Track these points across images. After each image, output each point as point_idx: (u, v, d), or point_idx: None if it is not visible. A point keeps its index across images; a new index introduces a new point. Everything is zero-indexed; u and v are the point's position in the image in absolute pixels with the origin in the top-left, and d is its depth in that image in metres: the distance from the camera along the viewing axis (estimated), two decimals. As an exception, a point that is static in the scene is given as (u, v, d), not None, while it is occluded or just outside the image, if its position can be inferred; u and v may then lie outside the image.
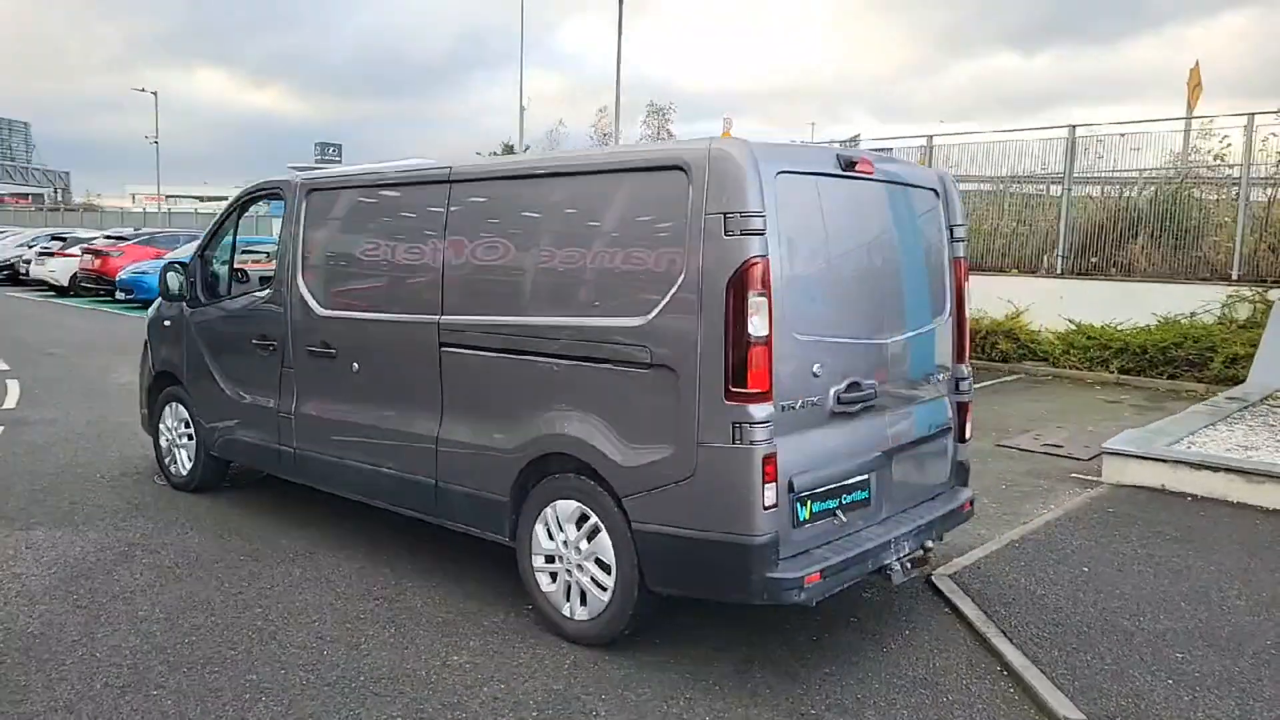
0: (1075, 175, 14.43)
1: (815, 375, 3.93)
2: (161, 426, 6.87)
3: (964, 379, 5.04)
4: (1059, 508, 6.54)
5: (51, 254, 24.33)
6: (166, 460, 6.85)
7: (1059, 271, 14.48)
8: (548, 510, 4.35)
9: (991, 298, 14.40)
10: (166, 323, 6.77)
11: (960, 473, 5.03)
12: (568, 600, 4.32)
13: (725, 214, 3.66)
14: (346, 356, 5.31)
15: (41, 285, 24.78)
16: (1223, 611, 4.69)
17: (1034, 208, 15.45)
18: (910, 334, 4.55)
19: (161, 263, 20.07)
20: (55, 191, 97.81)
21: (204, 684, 3.87)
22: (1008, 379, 13.09)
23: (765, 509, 3.68)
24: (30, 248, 26.38)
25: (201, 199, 68.50)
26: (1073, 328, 13.53)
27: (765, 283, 3.66)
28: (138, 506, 6.34)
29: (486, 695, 3.83)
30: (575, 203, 4.37)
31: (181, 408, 6.64)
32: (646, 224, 4.01)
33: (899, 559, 4.23)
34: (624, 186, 4.17)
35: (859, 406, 4.15)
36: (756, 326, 3.64)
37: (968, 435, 5.06)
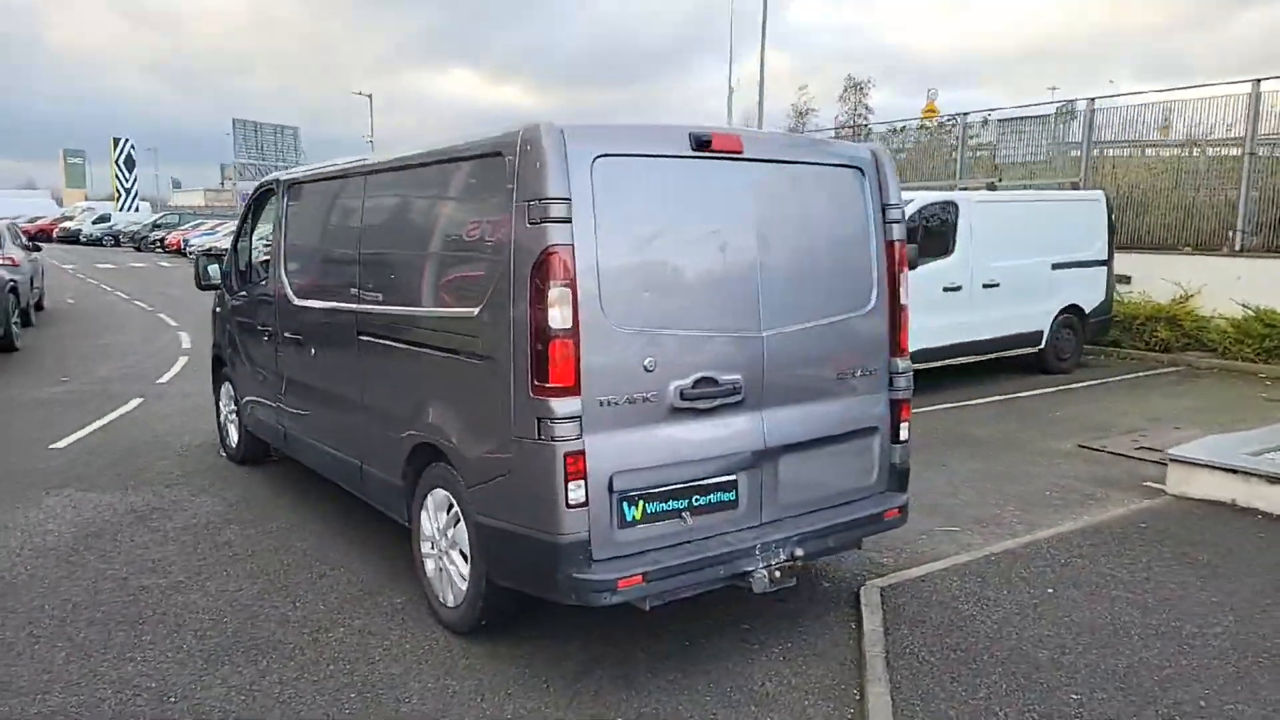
0: (1260, 137, 12.55)
1: (647, 370, 3.73)
2: (220, 404, 7.61)
3: (900, 374, 4.60)
4: (1086, 520, 5.81)
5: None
6: (223, 434, 7.58)
7: (1238, 248, 12.68)
8: (429, 497, 4.44)
9: (1155, 279, 12.89)
10: (217, 309, 7.47)
11: (896, 477, 4.61)
12: (442, 587, 4.40)
13: (529, 202, 3.56)
14: (308, 343, 5.65)
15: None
16: (1182, 651, 4.01)
17: (1213, 175, 13.57)
18: (803, 326, 4.21)
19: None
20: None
21: (107, 634, 4.30)
22: (1161, 371, 11.67)
23: (570, 507, 3.57)
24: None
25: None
26: (1249, 314, 11.84)
27: (568, 273, 3.52)
28: (185, 475, 7.05)
29: (329, 670, 3.99)
30: (424, 193, 4.53)
31: (229, 386, 7.32)
32: (479, 213, 3.99)
33: (768, 566, 3.95)
34: (460, 176, 4.20)
35: (715, 403, 3.90)
36: (557, 318, 3.52)
37: (903, 436, 4.63)
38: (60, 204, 67.33)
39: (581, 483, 3.57)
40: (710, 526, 3.93)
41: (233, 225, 29.82)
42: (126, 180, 61.10)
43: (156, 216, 49.17)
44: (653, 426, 3.77)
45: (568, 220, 3.51)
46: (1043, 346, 11.13)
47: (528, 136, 3.61)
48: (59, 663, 4.06)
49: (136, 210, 57.20)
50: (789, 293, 4.20)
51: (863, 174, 4.48)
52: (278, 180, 6.31)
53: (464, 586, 4.21)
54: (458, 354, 4.06)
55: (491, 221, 3.84)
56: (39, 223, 54.04)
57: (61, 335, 14.86)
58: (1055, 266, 11.02)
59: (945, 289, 10.02)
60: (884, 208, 4.54)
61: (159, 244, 40.60)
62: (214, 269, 7.16)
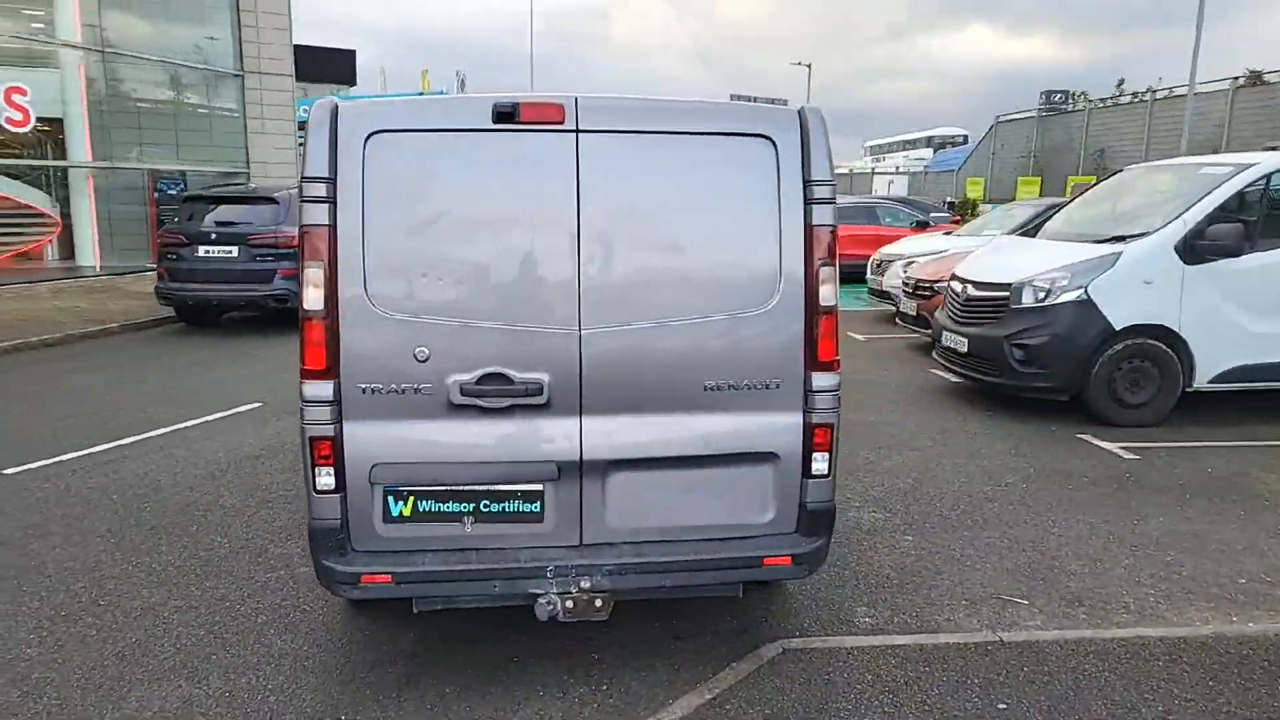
0: None
1: (418, 360, 3.45)
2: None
3: (818, 393, 3.65)
4: (1240, 628, 4.02)
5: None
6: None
7: None
8: None
9: None
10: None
11: (807, 518, 3.69)
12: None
13: (300, 179, 3.50)
14: None
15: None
16: None
17: None
18: (650, 325, 3.52)
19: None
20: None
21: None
22: None
23: (318, 493, 3.45)
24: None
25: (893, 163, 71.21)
26: None
27: (320, 254, 3.38)
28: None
29: (177, 634, 4.11)
30: None
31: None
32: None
33: (562, 593, 3.46)
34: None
35: (507, 403, 3.48)
36: (310, 299, 3.40)
37: (819, 469, 3.66)
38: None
39: (331, 469, 3.43)
40: (503, 538, 3.53)
41: None
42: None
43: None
44: (428, 421, 3.48)
45: (326, 200, 3.36)
46: None
47: (313, 114, 3.53)
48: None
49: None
50: (630, 285, 3.53)
51: (774, 144, 3.58)
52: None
53: None
54: None
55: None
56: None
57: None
58: None
59: (1301, 284, 7.46)
60: (806, 184, 3.60)
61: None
62: None
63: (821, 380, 3.63)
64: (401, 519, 3.48)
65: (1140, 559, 4.92)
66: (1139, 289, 7.54)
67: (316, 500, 3.43)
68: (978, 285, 8.37)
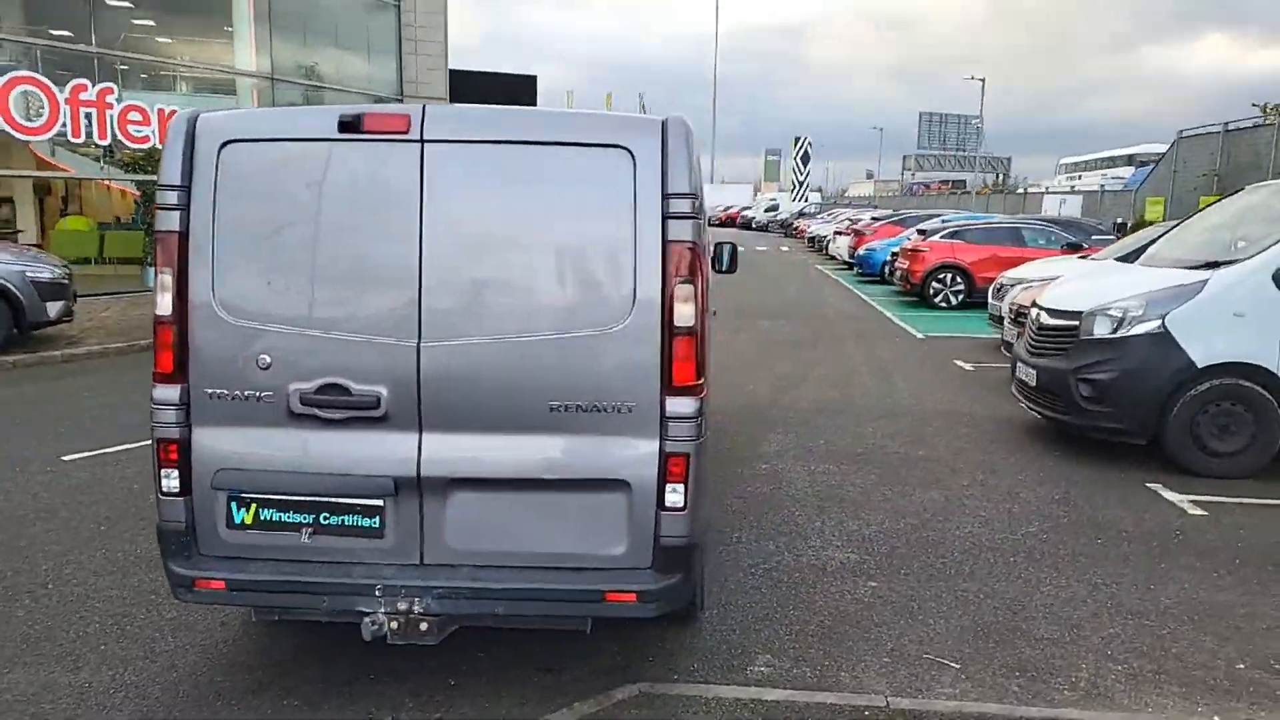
0: None
1: (260, 367, 3.47)
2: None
3: (676, 419, 3.41)
4: None
5: (841, 233, 28.05)
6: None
7: None
8: None
9: None
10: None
11: (663, 554, 3.44)
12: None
13: (155, 187, 3.61)
14: None
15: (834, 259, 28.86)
16: None
17: None
18: (492, 340, 3.40)
19: (891, 242, 21.78)
20: (997, 177, 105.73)
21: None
22: None
23: (164, 495, 3.51)
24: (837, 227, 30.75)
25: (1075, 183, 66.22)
26: None
27: (171, 260, 3.43)
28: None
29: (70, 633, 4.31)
30: None
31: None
32: None
33: (390, 614, 3.38)
34: None
35: (345, 415, 3.45)
36: (160, 304, 3.50)
37: (675, 501, 3.41)
38: (756, 194, 78.02)
39: (175, 472, 3.51)
40: (341, 551, 3.48)
41: (852, 214, 31.30)
42: (800, 174, 68.06)
43: (803, 206, 53.95)
44: (271, 428, 3.50)
45: (177, 207, 3.43)
46: None
47: (172, 124, 3.62)
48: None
49: (805, 200, 63.41)
50: (473, 300, 3.43)
51: (631, 155, 3.38)
52: None
53: None
54: None
55: None
56: (729, 211, 63.79)
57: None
58: None
59: None
60: (664, 198, 3.38)
61: (793, 229, 44.76)
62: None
63: (678, 406, 3.40)
64: (244, 526, 3.51)
65: (1128, 629, 4.29)
66: (1228, 322, 6.63)
67: (163, 502, 3.52)
68: (1050, 313, 7.63)
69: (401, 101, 20.05)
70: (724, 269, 7.61)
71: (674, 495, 3.42)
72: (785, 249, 37.08)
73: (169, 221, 3.43)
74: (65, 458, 6.88)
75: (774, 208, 58.41)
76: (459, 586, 3.39)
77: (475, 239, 3.41)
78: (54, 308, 10.97)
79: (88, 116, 15.22)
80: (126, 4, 20.19)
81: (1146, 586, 4.78)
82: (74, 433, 7.59)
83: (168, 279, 3.45)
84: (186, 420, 3.48)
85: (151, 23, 19.35)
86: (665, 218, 3.36)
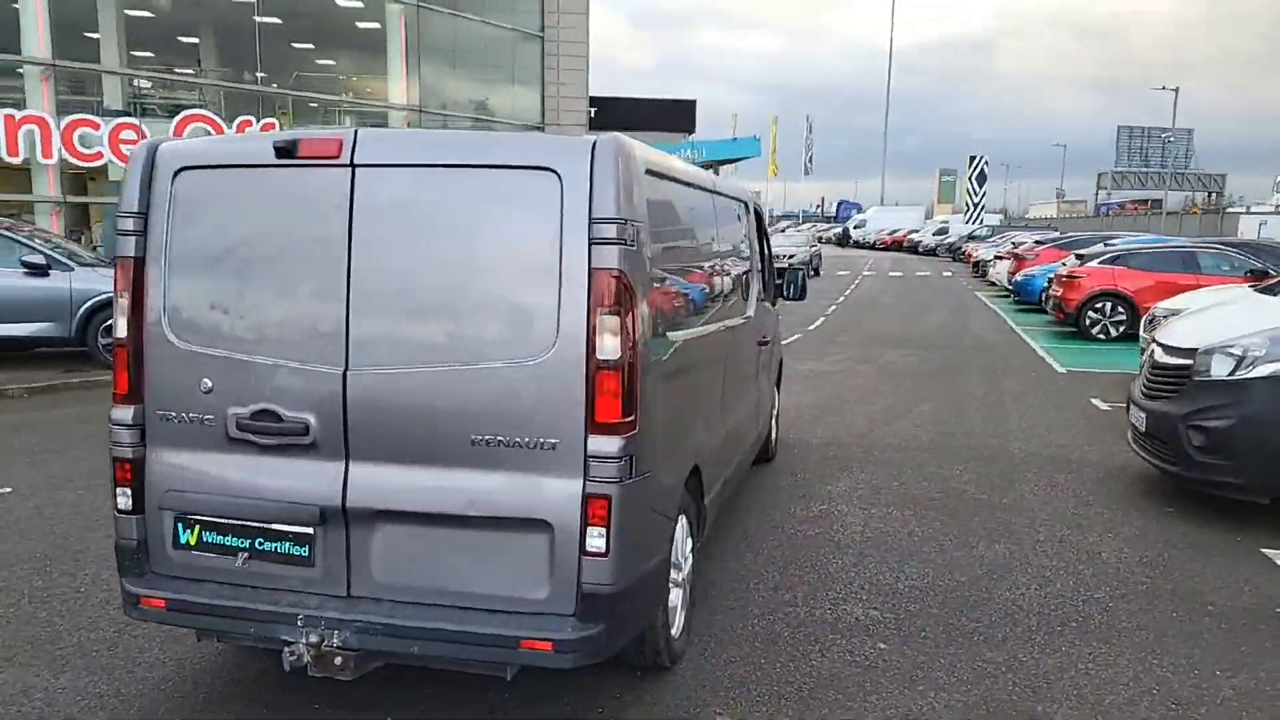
0: None
1: (203, 391, 3.51)
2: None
3: (599, 460, 3.20)
4: None
5: (1002, 257, 26.44)
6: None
7: None
8: None
9: None
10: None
11: (585, 601, 3.23)
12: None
13: (115, 214, 3.73)
14: None
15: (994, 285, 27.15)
16: None
17: None
18: (415, 369, 3.30)
19: (1052, 267, 20.29)
20: (1209, 196, 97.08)
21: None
22: None
23: (119, 513, 3.62)
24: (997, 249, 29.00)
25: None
26: None
27: (126, 284, 3.55)
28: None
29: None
30: None
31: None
32: None
33: (312, 644, 3.30)
34: None
35: (277, 441, 3.43)
36: (118, 327, 3.62)
37: (596, 546, 3.20)
38: (927, 217, 75.13)
39: (128, 490, 3.61)
40: (274, 578, 3.45)
41: (1033, 237, 29.19)
42: (975, 195, 65.00)
43: (974, 229, 51.42)
44: (213, 452, 3.53)
45: (134, 233, 3.53)
46: None
47: (133, 152, 3.69)
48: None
49: (979, 223, 60.47)
50: (399, 328, 3.35)
51: (559, 178, 3.22)
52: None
53: None
54: None
55: None
56: (895, 234, 61.82)
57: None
58: None
59: None
60: (591, 223, 3.19)
61: (960, 254, 42.62)
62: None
63: (601, 445, 3.21)
64: (189, 547, 3.56)
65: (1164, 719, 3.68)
66: (1369, 367, 5.68)
67: (118, 520, 3.63)
68: (1165, 349, 6.79)
69: (543, 130, 20.60)
70: (793, 297, 7.31)
71: (595, 539, 3.22)
72: (948, 274, 35.40)
73: (127, 247, 3.55)
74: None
75: (943, 230, 55.94)
76: (376, 622, 3.31)
77: (402, 266, 3.35)
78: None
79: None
80: (308, 46, 21.88)
81: (1211, 672, 4.11)
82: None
83: (124, 303, 3.57)
84: (141, 441, 3.58)
85: (321, 59, 20.85)
86: (591, 243, 3.18)
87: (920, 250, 54.25)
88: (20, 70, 17.44)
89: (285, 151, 3.40)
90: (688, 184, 4.34)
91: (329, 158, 3.37)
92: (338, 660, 3.30)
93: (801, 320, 18.10)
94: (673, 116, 47.29)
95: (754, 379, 6.13)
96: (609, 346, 3.19)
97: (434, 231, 3.35)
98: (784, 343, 14.91)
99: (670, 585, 3.97)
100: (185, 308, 3.55)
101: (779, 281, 7.22)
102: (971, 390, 11.26)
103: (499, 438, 3.27)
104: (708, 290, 4.62)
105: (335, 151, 3.36)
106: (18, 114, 16.54)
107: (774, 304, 7.26)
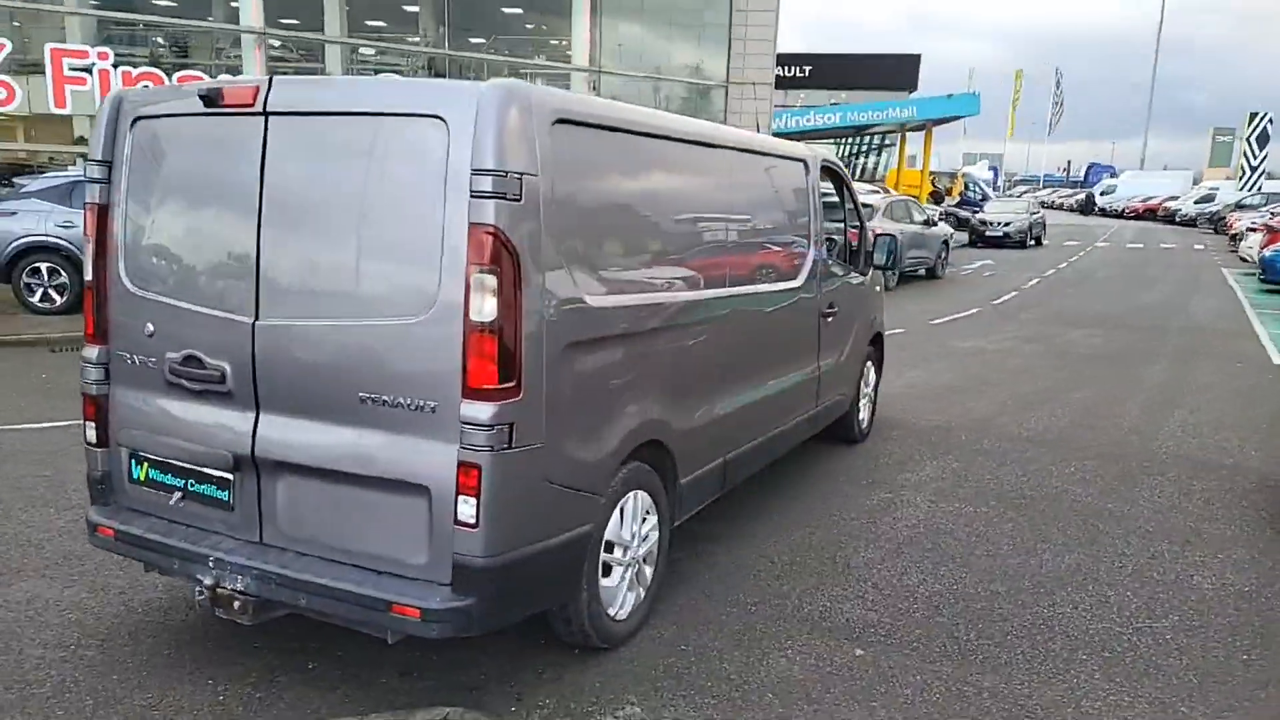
0: None
1: (147, 335, 3.65)
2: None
3: (470, 425, 3.06)
4: None
5: (1255, 228, 23.09)
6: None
7: None
8: None
9: None
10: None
11: (458, 573, 3.12)
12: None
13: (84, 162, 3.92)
14: None
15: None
16: None
17: None
18: (314, 323, 3.27)
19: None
20: None
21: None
22: None
23: (87, 445, 3.86)
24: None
25: None
26: None
27: (92, 230, 3.74)
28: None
29: None
30: None
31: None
32: None
33: (212, 585, 3.40)
34: None
35: (200, 387, 3.51)
36: (85, 270, 3.84)
37: (464, 515, 3.08)
38: (1196, 182, 66.98)
39: (94, 426, 3.84)
40: (199, 518, 3.60)
41: None
42: (1255, 158, 57.08)
43: (1245, 196, 45.28)
44: (156, 394, 3.67)
45: (100, 181, 3.73)
46: None
47: (101, 103, 3.85)
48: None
49: (1255, 190, 53.22)
50: (302, 279, 3.34)
51: (446, 126, 3.05)
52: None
53: None
54: None
55: None
56: (1148, 201, 55.72)
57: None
58: None
59: None
60: (472, 175, 3.01)
61: (1223, 224, 37.74)
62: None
63: (473, 411, 3.08)
64: (139, 483, 3.79)
65: (1148, 787, 3.07)
66: None
67: (87, 452, 3.91)
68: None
69: (726, 89, 20.18)
70: (883, 266, 6.76)
71: (465, 508, 3.11)
72: (1200, 247, 31.42)
73: (93, 194, 3.77)
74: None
75: (1208, 198, 49.69)
76: (272, 572, 3.37)
77: (305, 216, 3.35)
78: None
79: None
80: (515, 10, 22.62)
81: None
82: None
83: (90, 247, 3.80)
84: (106, 379, 3.82)
85: (527, 23, 21.42)
86: (472, 196, 3.01)
87: (1178, 220, 48.66)
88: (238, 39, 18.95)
89: (210, 100, 3.46)
90: (660, 137, 4.02)
91: (245, 106, 3.40)
92: (236, 604, 3.39)
93: (989, 294, 16.81)
94: (893, 73, 44.96)
95: (804, 352, 5.68)
96: (483, 308, 3.03)
97: (334, 181, 3.32)
98: (955, 318, 13.95)
99: (612, 565, 3.78)
100: (138, 254, 3.73)
101: (869, 250, 6.65)
102: (1148, 378, 9.95)
103: (383, 397, 3.21)
104: (684, 252, 4.26)
105: (250, 100, 3.38)
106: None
107: (866, 273, 6.70)
